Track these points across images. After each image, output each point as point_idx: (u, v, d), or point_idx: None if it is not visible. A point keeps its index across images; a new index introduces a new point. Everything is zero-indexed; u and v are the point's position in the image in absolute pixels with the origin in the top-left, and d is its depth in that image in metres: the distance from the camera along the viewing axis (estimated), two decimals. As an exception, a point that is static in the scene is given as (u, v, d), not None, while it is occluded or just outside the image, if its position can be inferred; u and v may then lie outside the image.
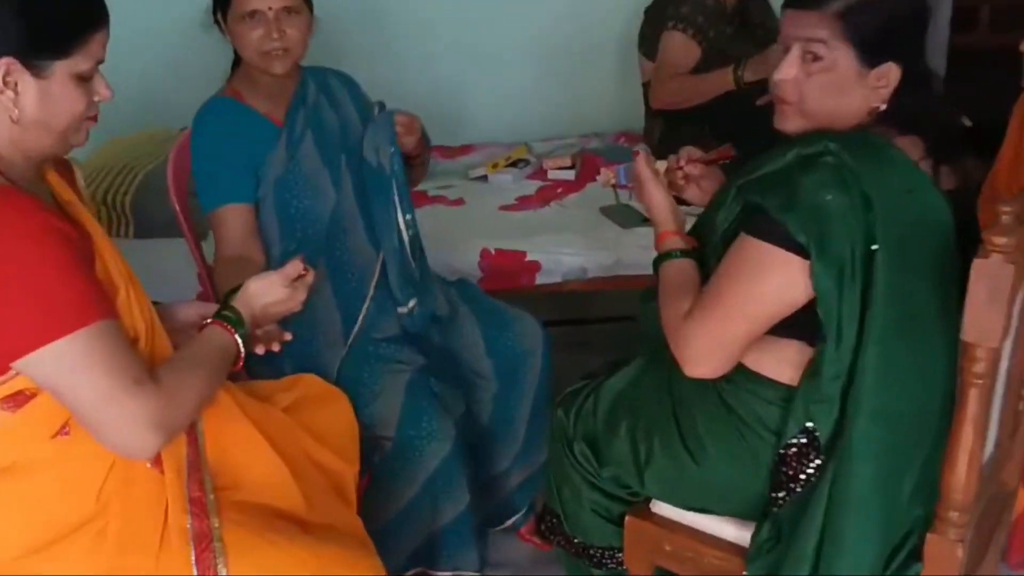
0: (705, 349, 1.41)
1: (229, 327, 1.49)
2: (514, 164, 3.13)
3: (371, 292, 2.05)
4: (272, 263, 2.00)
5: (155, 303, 1.67)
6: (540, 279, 2.56)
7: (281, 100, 2.03)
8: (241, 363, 1.51)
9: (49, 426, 1.35)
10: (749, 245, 1.36)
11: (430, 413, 1.90)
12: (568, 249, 2.58)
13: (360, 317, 2.03)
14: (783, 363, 1.44)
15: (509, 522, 2.31)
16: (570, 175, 3.05)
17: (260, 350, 1.58)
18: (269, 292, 1.57)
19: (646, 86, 3.04)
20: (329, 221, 2.04)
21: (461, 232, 2.55)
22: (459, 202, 2.91)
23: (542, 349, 2.18)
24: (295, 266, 1.59)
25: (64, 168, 1.59)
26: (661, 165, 1.78)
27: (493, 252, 2.56)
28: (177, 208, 2.17)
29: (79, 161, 3.16)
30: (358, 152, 2.10)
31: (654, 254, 2.54)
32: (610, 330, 3.22)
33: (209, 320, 1.51)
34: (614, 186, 2.93)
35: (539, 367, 2.18)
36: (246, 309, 1.54)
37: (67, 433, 1.36)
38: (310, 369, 1.92)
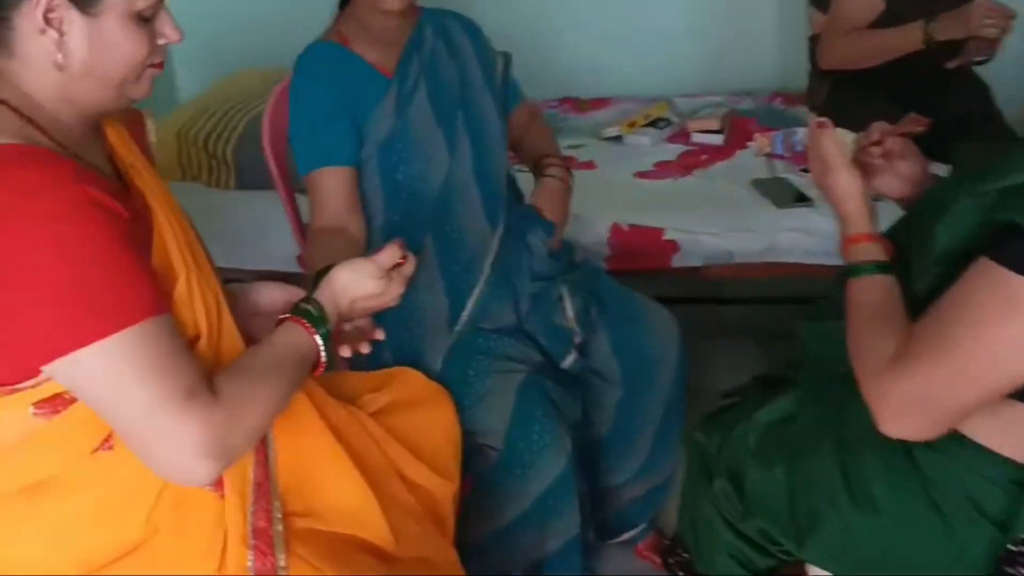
0: (915, 408, 1.06)
1: (309, 325, 1.24)
2: (653, 123, 2.78)
3: (485, 275, 1.77)
4: (373, 236, 1.75)
5: (233, 282, 1.45)
6: (677, 261, 2.23)
7: (393, 46, 1.75)
8: (321, 368, 1.26)
9: (89, 438, 1.13)
10: (998, 278, 1.00)
11: (544, 423, 1.62)
12: (712, 228, 2.24)
13: (469, 303, 1.75)
14: (1014, 433, 1.09)
15: (625, 536, 2.04)
16: (717, 140, 2.68)
17: (346, 352, 1.32)
18: (359, 284, 1.30)
19: (814, 40, 2.63)
20: (440, 190, 1.76)
21: (591, 202, 2.23)
22: (589, 165, 2.59)
23: (677, 350, 1.87)
24: (391, 253, 1.32)
25: (133, 120, 1.36)
26: (845, 136, 1.42)
27: (626, 228, 2.24)
28: (272, 165, 1.94)
29: (181, 103, 2.98)
30: (478, 110, 1.81)
31: (813, 239, 2.22)
32: (751, 313, 2.87)
33: (286, 315, 1.26)
34: (768, 155, 2.58)
35: (673, 371, 1.87)
36: (331, 303, 1.29)
37: (110, 447, 1.13)
38: (411, 359, 1.69)
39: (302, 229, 2.02)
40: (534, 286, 1.78)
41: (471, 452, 1.64)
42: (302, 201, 1.97)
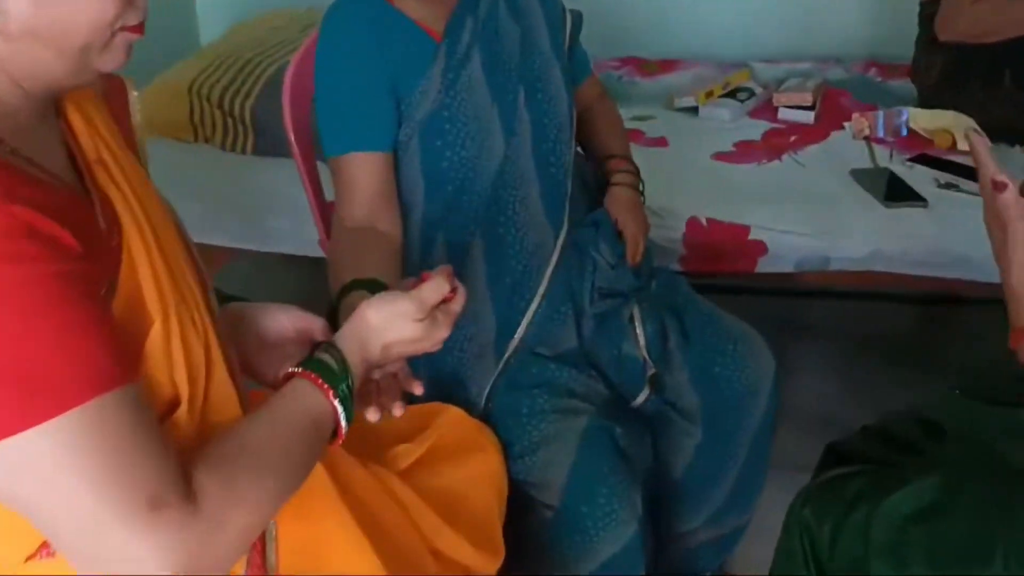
0: None
1: (325, 383, 0.94)
2: (732, 94, 2.42)
3: (543, 288, 1.46)
4: (410, 232, 1.44)
5: (235, 300, 1.15)
6: (763, 266, 1.90)
7: (443, 2, 1.42)
8: (340, 439, 0.96)
9: (21, 541, 0.84)
10: None
11: (612, 484, 1.32)
12: (805, 227, 1.89)
13: (523, 322, 1.44)
14: None
15: (688, 583, 1.75)
16: (808, 117, 2.32)
17: (373, 416, 1.02)
18: (395, 327, 1.00)
19: (930, 5, 2.25)
20: (493, 181, 1.45)
21: (663, 188, 1.89)
22: (660, 142, 2.24)
23: (770, 385, 1.55)
24: (437, 287, 1.01)
25: (112, 93, 1.05)
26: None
27: (704, 223, 1.91)
28: (291, 135, 1.63)
29: (200, 46, 2.65)
30: (542, 85, 1.49)
31: (925, 247, 1.88)
32: (842, 309, 2.53)
33: (295, 368, 0.95)
34: (868, 139, 2.22)
35: (763, 409, 1.55)
36: (357, 349, 0.98)
37: (50, 555, 0.85)
38: (450, 390, 1.39)
39: (325, 214, 1.71)
40: (599, 305, 1.47)
41: (519, 505, 1.35)
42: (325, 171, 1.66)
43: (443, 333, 1.03)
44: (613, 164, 1.61)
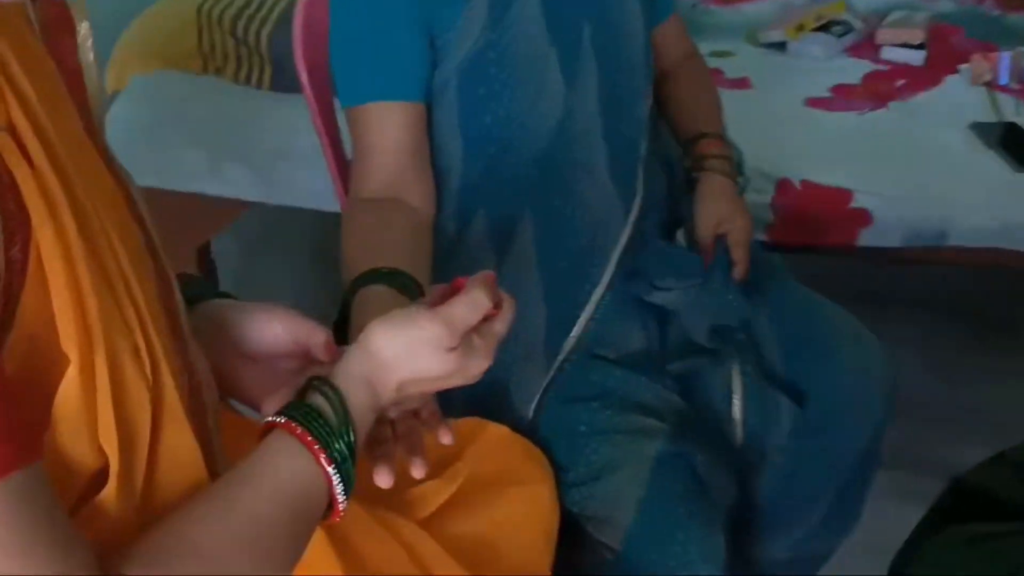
0: None
1: (316, 442, 0.68)
2: (826, 27, 2.09)
3: (608, 275, 1.19)
4: (445, 206, 1.17)
5: (221, 296, 0.90)
6: (866, 238, 1.59)
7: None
8: (338, 515, 0.70)
9: None
10: None
11: (690, 527, 1.06)
12: (919, 193, 1.59)
13: (582, 317, 1.17)
14: None
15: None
16: (917, 58, 1.98)
17: (385, 481, 0.76)
18: (415, 360, 0.73)
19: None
20: (549, 141, 1.17)
21: (747, 140, 1.58)
22: (742, 84, 1.92)
23: (882, 394, 1.27)
24: (474, 304, 0.74)
25: (55, 30, 0.79)
26: None
27: (798, 185, 1.61)
28: (305, 78, 1.36)
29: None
30: (612, 19, 1.19)
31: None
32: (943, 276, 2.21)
33: (276, 417, 0.69)
34: (989, 84, 1.89)
35: (872, 426, 1.27)
36: (362, 392, 0.72)
37: None
38: (488, 399, 1.13)
39: (343, 167, 1.44)
40: (679, 365, 1.19)
41: (572, 540, 1.10)
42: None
43: (482, 364, 0.76)
44: (704, 146, 1.31)
